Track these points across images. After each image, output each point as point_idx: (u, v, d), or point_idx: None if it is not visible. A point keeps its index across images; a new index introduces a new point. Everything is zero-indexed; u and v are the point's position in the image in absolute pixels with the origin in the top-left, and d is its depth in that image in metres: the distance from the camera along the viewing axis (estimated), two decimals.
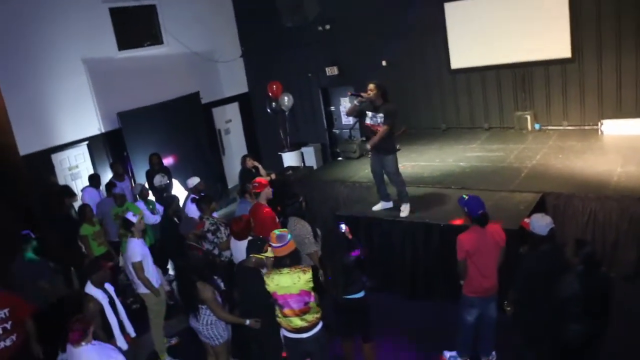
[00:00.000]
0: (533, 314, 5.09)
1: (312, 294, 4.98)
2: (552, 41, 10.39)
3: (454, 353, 6.07)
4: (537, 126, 10.91)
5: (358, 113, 7.53)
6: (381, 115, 7.15)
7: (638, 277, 7.16)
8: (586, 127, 10.44)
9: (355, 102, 7.33)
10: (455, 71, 11.68)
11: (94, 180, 10.11)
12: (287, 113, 13.15)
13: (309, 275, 4.94)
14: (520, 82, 10.99)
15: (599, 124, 10.10)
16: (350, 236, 5.64)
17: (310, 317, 5.03)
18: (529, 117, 10.87)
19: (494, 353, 5.96)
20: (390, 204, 7.85)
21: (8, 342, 5.58)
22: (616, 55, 9.94)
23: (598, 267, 4.72)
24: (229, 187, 14.17)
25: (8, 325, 5.57)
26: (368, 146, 7.31)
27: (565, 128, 10.67)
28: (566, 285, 4.54)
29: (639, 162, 8.24)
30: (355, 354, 6.01)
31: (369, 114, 7.29)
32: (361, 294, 5.60)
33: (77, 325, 4.50)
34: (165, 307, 6.87)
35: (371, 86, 7.16)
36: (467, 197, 5.56)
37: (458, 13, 11.32)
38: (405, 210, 7.60)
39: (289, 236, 5.03)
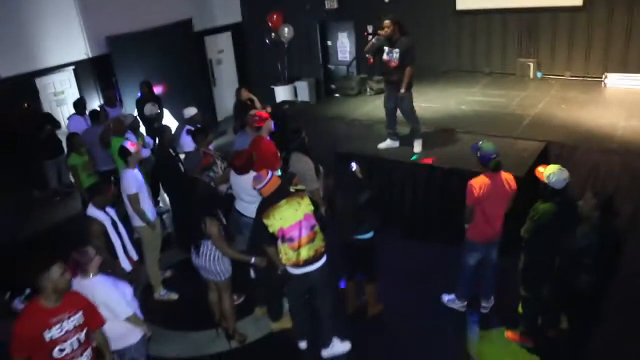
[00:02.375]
0: (540, 263, 5.09)
1: (315, 216, 4.99)
2: None
3: (452, 296, 6.09)
4: (539, 74, 10.73)
5: (376, 50, 7.36)
6: (397, 50, 7.07)
7: (632, 230, 7.21)
8: (589, 79, 10.28)
9: (373, 40, 7.26)
10: (460, 12, 11.33)
11: (79, 106, 9.65)
12: (286, 45, 12.75)
13: (306, 199, 5.00)
14: (525, 28, 10.72)
15: (603, 76, 9.96)
16: (360, 175, 5.50)
17: (318, 245, 4.99)
18: (531, 65, 10.67)
19: (492, 297, 5.98)
20: (397, 144, 7.84)
21: None
22: (627, 9, 9.69)
23: (614, 218, 4.66)
24: (219, 119, 13.86)
25: (83, 335, 3.98)
26: (402, 91, 7.20)
27: (568, 78, 10.50)
28: (582, 236, 4.51)
29: None
30: (357, 294, 6.02)
31: (386, 49, 7.19)
32: (370, 235, 5.54)
33: (81, 257, 4.33)
34: (160, 241, 6.72)
35: (386, 22, 7.09)
36: (479, 143, 5.45)
37: None
38: (418, 146, 7.62)
39: (269, 174, 5.04)
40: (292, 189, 5.30)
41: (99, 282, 4.35)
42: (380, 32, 7.12)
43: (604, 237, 4.49)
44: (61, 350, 3.83)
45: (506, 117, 8.68)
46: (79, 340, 3.94)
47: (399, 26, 7.08)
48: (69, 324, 3.85)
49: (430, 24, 11.65)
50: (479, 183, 5.33)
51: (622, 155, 7.17)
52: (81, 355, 3.98)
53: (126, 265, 5.53)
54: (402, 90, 7.18)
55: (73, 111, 9.76)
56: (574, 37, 10.33)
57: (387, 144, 7.88)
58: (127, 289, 4.55)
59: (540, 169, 5.10)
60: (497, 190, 5.34)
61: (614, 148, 7.27)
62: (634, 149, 7.19)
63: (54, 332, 3.77)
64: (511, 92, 9.94)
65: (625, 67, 9.91)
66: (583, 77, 10.38)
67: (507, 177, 5.43)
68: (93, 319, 4.08)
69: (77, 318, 3.92)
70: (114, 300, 4.33)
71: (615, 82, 9.81)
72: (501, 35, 11.06)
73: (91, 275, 4.33)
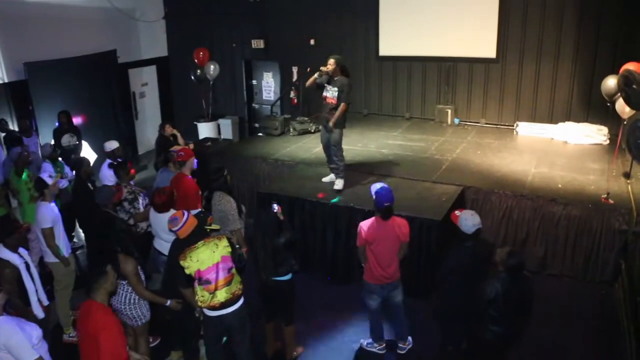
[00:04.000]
0: (451, 307, 5.23)
1: (232, 258, 4.93)
2: (480, 40, 10.73)
3: (369, 340, 6.12)
4: (456, 120, 11.21)
5: (317, 86, 7.57)
6: (335, 89, 7.34)
7: (542, 272, 7.55)
8: (502, 127, 10.86)
9: (316, 75, 7.47)
10: (382, 58, 11.75)
11: None
12: (211, 82, 12.74)
13: (224, 241, 4.93)
14: (444, 76, 11.26)
15: (515, 124, 10.54)
16: (282, 217, 5.50)
17: (234, 288, 4.91)
18: (449, 111, 11.16)
19: (410, 339, 6.05)
20: None
21: None
22: (536, 62, 10.42)
23: (521, 271, 4.80)
24: (140, 153, 13.57)
25: None
26: (330, 124, 7.38)
27: (483, 125, 11.05)
28: (490, 288, 4.62)
29: (550, 164, 8.69)
30: (276, 337, 5.95)
31: (327, 86, 7.46)
32: (288, 277, 5.50)
33: None
34: (74, 278, 6.42)
35: (331, 61, 7.38)
36: (379, 187, 5.59)
37: (392, 0, 11.38)
38: (339, 184, 7.79)
39: (185, 216, 4.99)
40: (206, 229, 5.23)
41: (2, 324, 4.05)
42: (322, 67, 7.38)
43: (510, 289, 4.59)
44: None
45: (425, 162, 8.96)
46: None
47: (341, 67, 7.40)
48: None
49: (354, 68, 11.80)
50: (368, 225, 5.48)
51: (533, 201, 7.54)
52: None
53: (39, 312, 5.16)
54: (330, 124, 7.36)
55: None
56: (489, 86, 10.94)
57: (330, 177, 8.05)
58: (35, 332, 4.23)
59: (457, 212, 5.27)
60: (387, 234, 5.46)
61: (525, 193, 7.63)
62: (543, 194, 7.57)
63: None
64: (430, 137, 10.32)
65: (534, 117, 10.57)
66: (497, 124, 10.98)
67: (399, 222, 5.54)
68: None
69: None
70: (17, 344, 4.02)
71: (526, 130, 10.42)
72: (421, 82, 11.54)
73: None
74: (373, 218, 5.53)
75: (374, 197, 5.50)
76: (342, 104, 7.37)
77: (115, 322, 4.03)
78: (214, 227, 5.38)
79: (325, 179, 8.13)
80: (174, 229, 4.97)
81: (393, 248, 5.52)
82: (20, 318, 4.26)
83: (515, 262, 4.65)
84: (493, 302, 4.59)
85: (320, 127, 7.99)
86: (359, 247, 5.59)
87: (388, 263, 5.54)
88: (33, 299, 5.11)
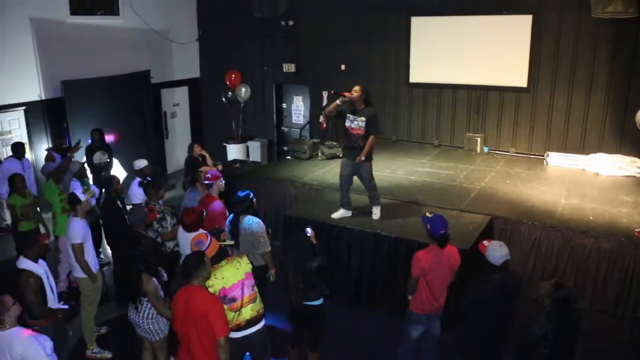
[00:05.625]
0: (476, 339, 5.12)
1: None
2: (511, 69, 10.69)
3: None
4: (485, 149, 11.14)
5: (338, 113, 7.29)
6: (362, 119, 7.06)
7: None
8: (532, 156, 10.75)
9: (338, 101, 7.13)
10: (413, 85, 11.77)
11: (17, 150, 9.38)
12: (242, 105, 12.88)
13: (245, 258, 5.05)
14: (474, 104, 11.22)
15: (545, 154, 10.42)
16: (315, 241, 5.49)
17: (258, 306, 4.95)
18: (479, 139, 11.09)
19: None
20: (349, 213, 7.72)
21: None
22: (568, 92, 10.33)
23: (569, 304, 4.65)
24: (169, 172, 13.74)
25: None
26: (362, 157, 7.11)
27: (512, 154, 10.96)
28: (539, 325, 4.49)
29: (581, 196, 8.55)
30: None
31: (350, 116, 7.15)
32: (319, 302, 5.46)
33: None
34: (100, 295, 6.48)
35: (356, 88, 7.05)
36: (431, 215, 5.50)
37: (424, 28, 11.47)
38: (377, 213, 7.65)
39: (209, 238, 5.03)
40: (220, 244, 5.24)
41: (17, 334, 4.12)
42: (347, 93, 7.04)
43: (560, 324, 4.46)
44: None
45: (453, 190, 8.90)
46: None
47: (366, 95, 7.09)
48: None
49: (383, 94, 12.00)
50: (426, 255, 5.37)
51: (563, 233, 7.41)
52: None
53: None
54: (362, 158, 7.12)
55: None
56: (519, 115, 10.87)
57: (340, 213, 7.73)
58: (47, 343, 4.28)
59: (485, 242, 5.21)
60: (442, 263, 5.38)
61: (555, 225, 7.51)
62: (573, 226, 7.44)
63: None
64: (459, 165, 10.26)
65: (564, 147, 10.45)
66: (527, 154, 10.87)
67: (452, 251, 5.49)
68: None
69: None
70: (33, 355, 4.09)
71: (556, 160, 10.29)
72: (451, 109, 11.51)
73: (7, 327, 4.12)
74: (429, 247, 5.43)
75: (427, 226, 5.41)
76: (372, 137, 7.11)
77: (217, 297, 4.60)
78: (227, 242, 5.44)
79: (335, 215, 7.72)
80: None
81: (446, 277, 5.45)
82: (32, 331, 4.32)
83: (563, 295, 4.53)
84: (543, 339, 4.44)
85: (343, 159, 7.56)
86: (413, 277, 5.42)
87: (440, 292, 5.46)
88: (53, 307, 5.24)
